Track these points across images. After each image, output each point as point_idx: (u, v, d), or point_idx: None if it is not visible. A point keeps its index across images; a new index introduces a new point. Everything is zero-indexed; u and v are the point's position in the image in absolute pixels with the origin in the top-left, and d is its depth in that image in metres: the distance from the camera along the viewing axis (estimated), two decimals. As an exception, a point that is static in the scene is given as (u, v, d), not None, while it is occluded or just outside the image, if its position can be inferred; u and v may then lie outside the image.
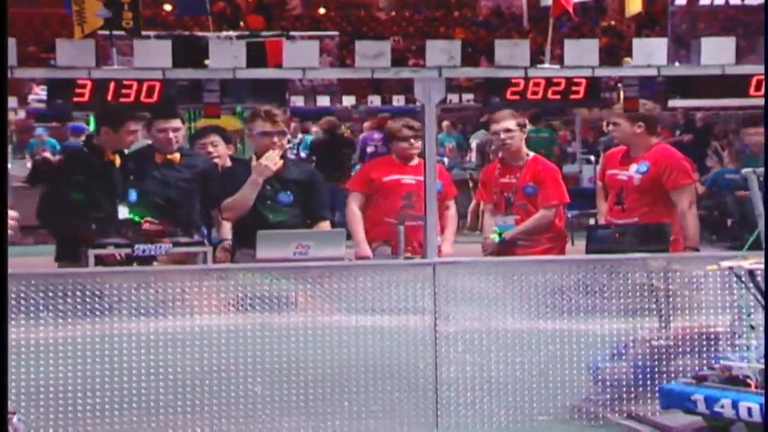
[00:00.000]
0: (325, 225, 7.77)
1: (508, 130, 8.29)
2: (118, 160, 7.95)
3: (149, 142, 8.28)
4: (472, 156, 18.35)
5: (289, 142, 19.69)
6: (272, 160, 7.69)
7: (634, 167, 8.00)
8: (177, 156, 8.15)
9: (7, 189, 4.64)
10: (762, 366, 6.00)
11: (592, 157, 18.62)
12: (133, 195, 7.86)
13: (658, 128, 8.37)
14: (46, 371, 6.48)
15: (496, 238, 8.19)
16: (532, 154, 8.52)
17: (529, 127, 16.91)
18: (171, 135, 8.12)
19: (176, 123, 8.15)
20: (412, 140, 8.47)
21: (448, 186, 8.63)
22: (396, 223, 8.03)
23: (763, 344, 6.01)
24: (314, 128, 18.99)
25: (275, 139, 7.77)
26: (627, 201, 8.00)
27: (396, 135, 8.62)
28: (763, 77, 7.02)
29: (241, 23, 34.04)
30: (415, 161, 8.52)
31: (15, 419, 5.24)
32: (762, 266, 6.13)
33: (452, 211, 8.72)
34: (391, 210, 8.34)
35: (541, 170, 8.34)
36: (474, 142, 18.24)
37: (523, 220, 8.23)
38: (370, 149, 16.73)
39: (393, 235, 8.14)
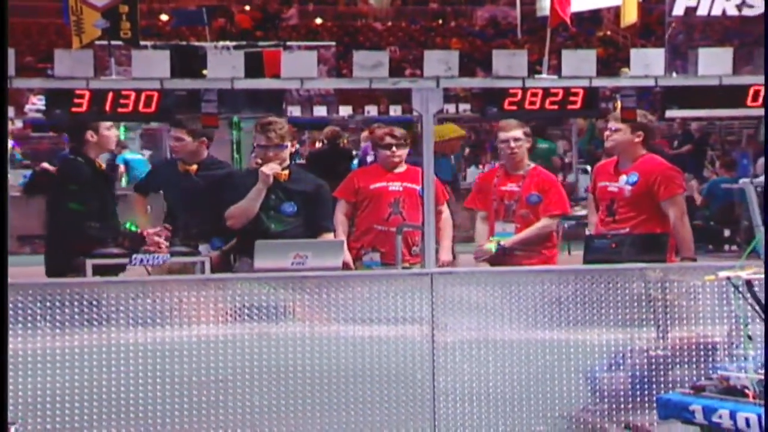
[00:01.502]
0: (329, 236, 7.76)
1: (516, 139, 8.31)
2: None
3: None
4: None
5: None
6: (273, 169, 7.70)
7: (623, 178, 8.01)
8: (194, 167, 8.23)
9: (6, 189, 4.65)
10: (760, 377, 6.00)
11: (589, 168, 18.65)
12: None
13: (653, 140, 8.39)
14: (44, 381, 6.48)
15: (493, 247, 8.19)
16: (532, 163, 8.54)
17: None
18: (174, 144, 8.26)
19: (179, 133, 8.21)
20: (394, 148, 8.51)
21: (438, 189, 8.60)
22: (384, 230, 8.03)
23: (761, 354, 6.01)
24: (320, 137, 18.96)
25: (270, 152, 7.77)
26: (618, 212, 8.00)
27: (379, 143, 8.66)
28: (761, 87, 7.04)
29: (231, 26, 34.07)
30: (402, 168, 8.56)
31: (13, 430, 5.23)
32: (760, 276, 6.13)
33: (446, 215, 8.72)
34: (378, 217, 8.36)
35: (545, 180, 8.35)
36: None
37: (522, 229, 8.23)
38: (370, 158, 16.71)
39: (381, 242, 8.15)
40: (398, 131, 8.69)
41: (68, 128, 8.43)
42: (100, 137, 8.19)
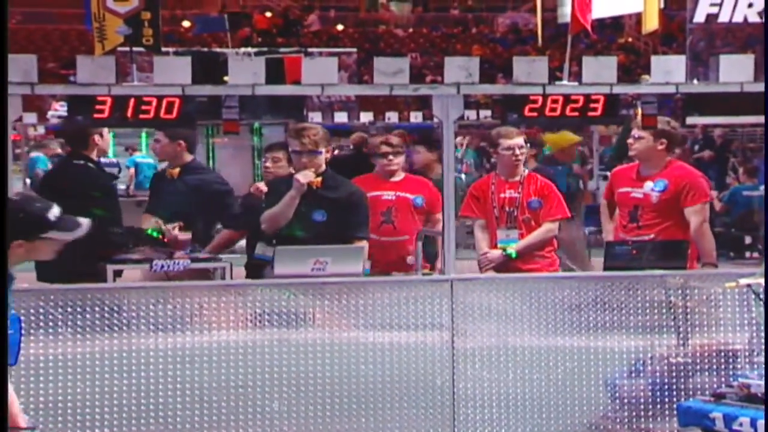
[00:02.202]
0: (363, 244, 7.63)
1: (521, 147, 8.29)
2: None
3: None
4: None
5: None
6: (307, 177, 7.60)
7: (649, 185, 7.96)
8: (176, 170, 8.24)
9: (6, 190, 4.66)
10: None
11: (609, 174, 18.59)
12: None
13: (676, 147, 8.35)
14: (65, 386, 6.51)
15: (513, 253, 8.16)
16: (527, 170, 8.52)
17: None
18: (152, 144, 8.30)
19: (158, 135, 8.25)
20: (391, 156, 8.49)
21: (434, 200, 8.56)
22: (376, 238, 8.00)
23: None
24: (346, 143, 18.91)
25: (303, 158, 7.66)
26: (643, 218, 7.96)
27: (375, 151, 8.64)
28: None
29: (252, 32, 34.12)
30: (399, 177, 8.55)
31: (34, 434, 5.25)
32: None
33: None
34: (371, 226, 8.31)
35: (543, 185, 8.33)
36: None
37: (525, 235, 8.21)
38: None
39: (372, 252, 8.07)
40: (394, 139, 8.67)
41: (71, 132, 8.44)
42: (105, 141, 8.25)
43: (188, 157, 8.43)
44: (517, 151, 8.26)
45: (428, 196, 8.51)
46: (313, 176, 7.58)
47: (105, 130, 8.21)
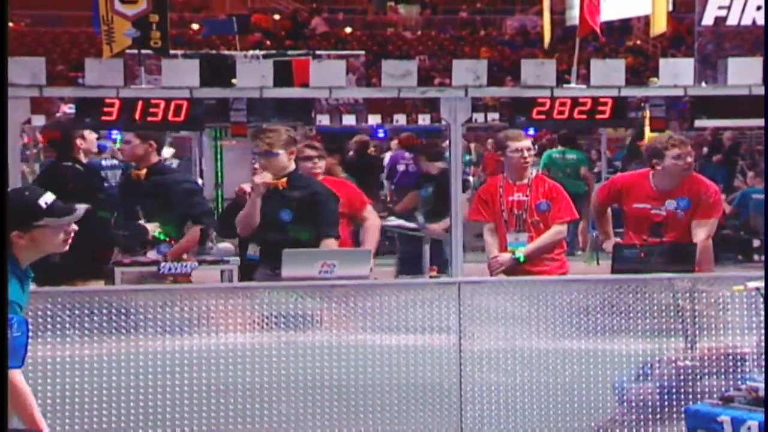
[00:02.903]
0: (331, 242, 7.61)
1: (529, 149, 8.28)
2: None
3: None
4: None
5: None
6: (263, 178, 7.58)
7: (673, 204, 7.90)
8: (143, 171, 8.25)
9: (7, 190, 4.67)
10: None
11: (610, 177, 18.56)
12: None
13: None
14: (72, 388, 6.51)
15: (521, 257, 8.15)
16: (535, 172, 8.51)
17: (558, 148, 16.88)
18: (123, 146, 8.34)
19: (128, 136, 8.29)
20: (316, 160, 8.44)
21: (355, 200, 8.52)
22: None
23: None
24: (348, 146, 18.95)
25: (262, 160, 7.65)
26: (668, 235, 7.91)
27: (299, 155, 8.60)
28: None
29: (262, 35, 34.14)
30: (319, 179, 8.56)
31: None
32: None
33: (371, 223, 8.68)
34: None
35: (551, 187, 8.32)
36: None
37: (534, 238, 8.20)
38: (400, 167, 16.71)
39: None
40: (317, 143, 8.67)
41: (56, 137, 8.48)
42: (88, 143, 8.27)
43: (155, 158, 8.43)
44: (525, 154, 8.25)
45: (348, 196, 8.45)
46: (269, 177, 7.54)
47: (87, 132, 8.22)
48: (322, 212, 7.62)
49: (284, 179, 7.60)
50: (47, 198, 4.89)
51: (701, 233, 7.83)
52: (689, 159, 7.90)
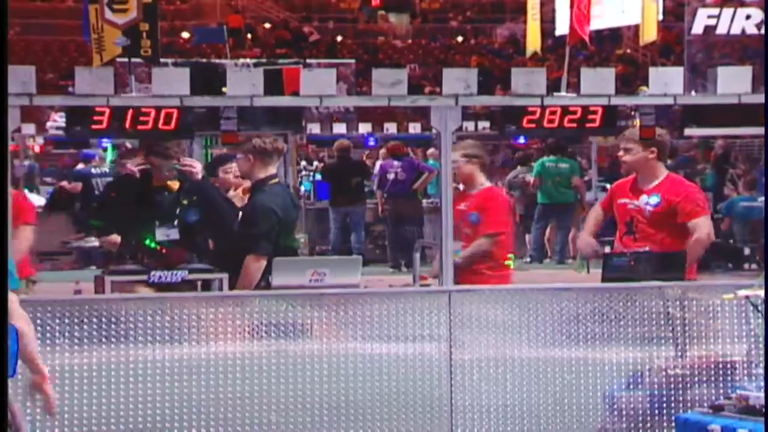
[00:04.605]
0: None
1: (455, 161, 8.29)
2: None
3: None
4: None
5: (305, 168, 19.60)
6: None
7: (644, 198, 7.93)
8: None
9: (7, 190, 4.68)
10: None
11: (608, 185, 18.58)
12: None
13: (667, 155, 8.34)
14: (62, 397, 6.47)
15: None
16: (488, 184, 8.46)
17: (550, 156, 16.87)
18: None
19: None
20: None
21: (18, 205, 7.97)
22: None
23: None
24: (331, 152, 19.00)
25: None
26: (639, 230, 7.95)
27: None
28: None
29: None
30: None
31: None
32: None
33: None
34: None
35: (486, 198, 8.29)
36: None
37: (465, 248, 8.19)
38: (390, 176, 16.74)
39: None
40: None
41: None
42: None
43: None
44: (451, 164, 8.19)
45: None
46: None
47: None
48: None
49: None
50: None
51: (700, 231, 7.76)
52: (626, 157, 7.96)
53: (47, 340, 6.46)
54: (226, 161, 8.94)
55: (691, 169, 18.26)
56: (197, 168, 7.83)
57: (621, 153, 8.09)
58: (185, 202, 7.87)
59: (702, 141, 19.11)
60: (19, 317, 4.92)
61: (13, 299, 4.82)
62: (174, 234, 7.22)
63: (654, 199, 7.89)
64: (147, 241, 7.88)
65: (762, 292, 6.29)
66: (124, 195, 8.23)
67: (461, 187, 8.45)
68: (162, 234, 7.70)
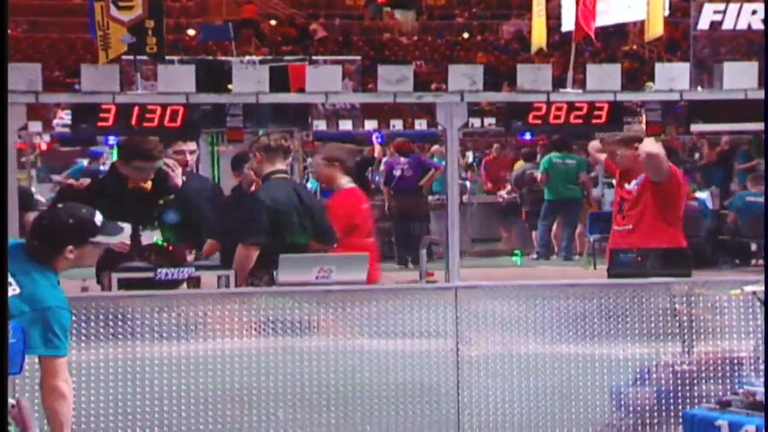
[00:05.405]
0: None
1: (316, 164, 8.27)
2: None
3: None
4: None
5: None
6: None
7: (633, 182, 8.01)
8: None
9: (6, 190, 4.69)
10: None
11: (614, 181, 18.53)
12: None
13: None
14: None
15: None
16: (346, 186, 8.41)
17: (557, 153, 16.81)
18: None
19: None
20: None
21: None
22: None
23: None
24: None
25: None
26: (626, 210, 8.03)
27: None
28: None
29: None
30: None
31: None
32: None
33: None
34: None
35: (331, 204, 8.29)
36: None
37: None
38: (397, 172, 16.72)
39: None
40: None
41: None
42: None
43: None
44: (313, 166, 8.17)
45: None
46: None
47: None
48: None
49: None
50: (99, 217, 5.17)
51: (644, 146, 7.81)
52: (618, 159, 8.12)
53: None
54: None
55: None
56: (177, 172, 7.78)
57: (617, 158, 8.12)
58: (161, 202, 7.85)
59: (755, 136, 19.11)
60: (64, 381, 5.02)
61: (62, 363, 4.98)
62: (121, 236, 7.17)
63: (638, 179, 7.95)
64: (154, 239, 7.89)
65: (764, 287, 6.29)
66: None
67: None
68: (148, 237, 7.68)
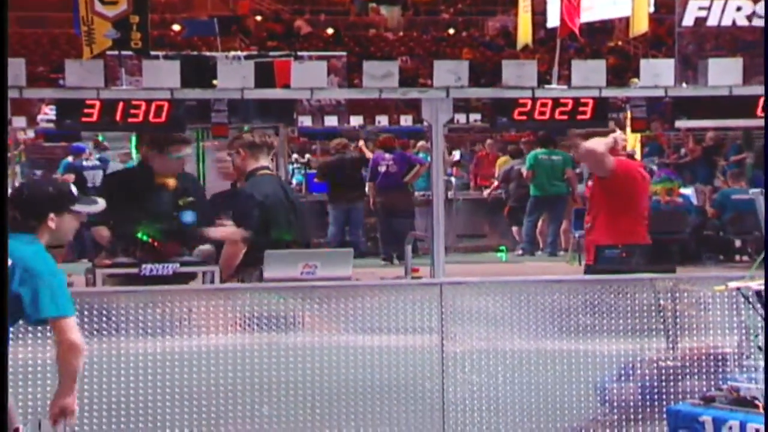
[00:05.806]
0: None
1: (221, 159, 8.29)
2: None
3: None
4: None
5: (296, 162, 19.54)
6: None
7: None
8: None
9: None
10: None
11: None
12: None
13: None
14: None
15: None
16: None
17: (542, 149, 16.87)
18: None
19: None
20: None
21: None
22: None
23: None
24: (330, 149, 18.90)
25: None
26: (588, 207, 8.16)
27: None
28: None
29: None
30: None
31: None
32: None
33: None
34: None
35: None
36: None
37: None
38: (381, 169, 16.70)
39: None
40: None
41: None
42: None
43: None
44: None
45: None
46: None
47: None
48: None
49: None
50: (74, 188, 5.33)
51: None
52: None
53: (38, 333, 6.45)
54: None
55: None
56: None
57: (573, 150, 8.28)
58: (181, 202, 7.84)
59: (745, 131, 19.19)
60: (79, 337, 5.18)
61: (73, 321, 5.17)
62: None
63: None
64: (139, 234, 7.87)
65: (753, 284, 6.30)
66: (121, 188, 8.20)
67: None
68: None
